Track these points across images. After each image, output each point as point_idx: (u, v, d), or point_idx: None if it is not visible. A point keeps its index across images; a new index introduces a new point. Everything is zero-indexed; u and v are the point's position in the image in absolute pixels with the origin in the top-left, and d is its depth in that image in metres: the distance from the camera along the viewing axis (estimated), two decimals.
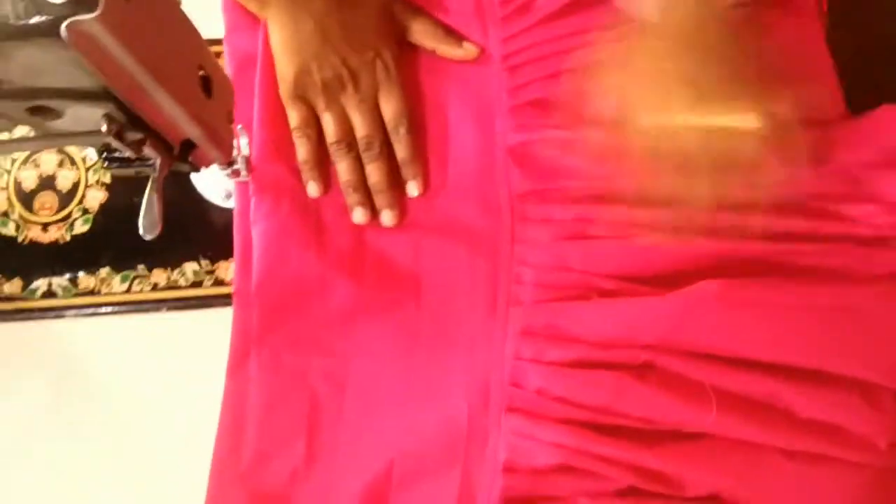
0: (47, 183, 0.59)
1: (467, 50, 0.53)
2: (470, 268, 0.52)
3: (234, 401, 0.51)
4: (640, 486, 0.45)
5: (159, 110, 0.35)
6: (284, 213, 0.53)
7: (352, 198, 0.52)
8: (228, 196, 0.58)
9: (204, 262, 0.56)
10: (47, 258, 0.57)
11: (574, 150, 0.51)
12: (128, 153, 0.36)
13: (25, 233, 0.58)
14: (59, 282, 0.56)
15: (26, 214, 0.58)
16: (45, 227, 0.58)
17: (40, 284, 0.56)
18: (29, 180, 0.59)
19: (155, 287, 0.56)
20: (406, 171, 0.52)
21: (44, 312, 0.56)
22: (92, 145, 0.38)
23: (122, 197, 0.58)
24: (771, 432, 0.45)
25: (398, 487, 0.48)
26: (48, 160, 0.59)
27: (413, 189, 0.52)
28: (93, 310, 0.56)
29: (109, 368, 0.55)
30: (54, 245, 0.57)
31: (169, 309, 0.56)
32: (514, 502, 0.46)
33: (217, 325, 0.53)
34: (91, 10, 0.27)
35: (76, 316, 0.56)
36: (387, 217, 0.52)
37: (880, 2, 0.51)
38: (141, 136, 0.36)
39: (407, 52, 0.55)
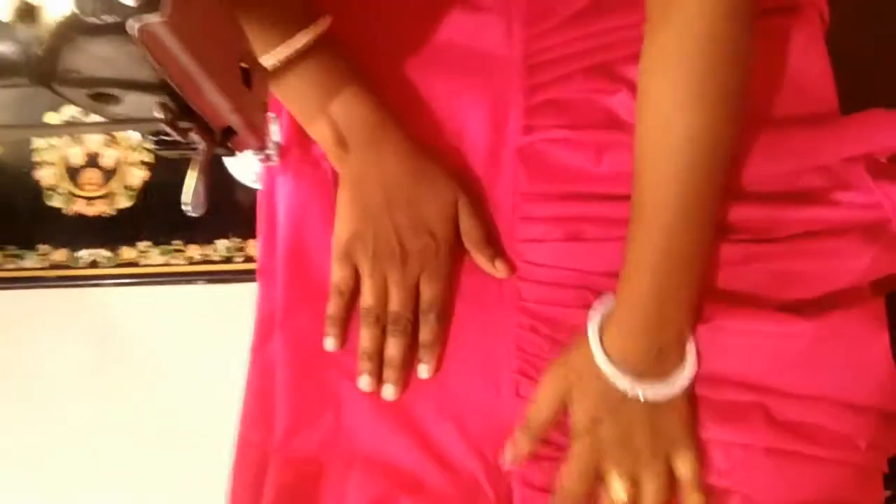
0: (93, 160, 0.63)
1: (497, 269, 0.53)
2: (473, 263, 0.54)
3: (259, 374, 0.54)
4: None
5: (207, 101, 0.39)
6: (306, 194, 0.55)
7: (364, 365, 0.52)
8: (258, 178, 0.62)
9: (235, 240, 0.60)
10: (92, 230, 0.61)
11: (579, 150, 0.53)
12: (177, 138, 0.40)
13: (72, 206, 0.62)
14: (103, 253, 0.60)
15: (73, 189, 0.62)
16: (90, 201, 0.62)
17: (85, 254, 0.61)
18: (75, 157, 0.63)
19: (190, 261, 0.60)
20: (423, 354, 0.53)
21: (87, 280, 0.60)
22: (147, 131, 0.42)
23: (163, 176, 0.62)
24: (751, 433, 0.47)
25: (429, 456, 0.51)
26: (94, 139, 0.63)
27: (423, 372, 0.53)
28: (132, 280, 0.60)
29: (146, 334, 0.59)
30: (98, 218, 0.62)
31: (203, 282, 0.59)
32: (535, 490, 0.49)
33: (246, 298, 0.57)
34: (156, 11, 0.31)
35: (117, 285, 0.60)
36: (388, 392, 0.52)
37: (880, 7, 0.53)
38: (189, 124, 0.40)
39: (432, 51, 0.57)
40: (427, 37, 0.57)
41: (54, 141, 0.63)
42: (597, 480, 0.48)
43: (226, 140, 0.45)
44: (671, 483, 0.48)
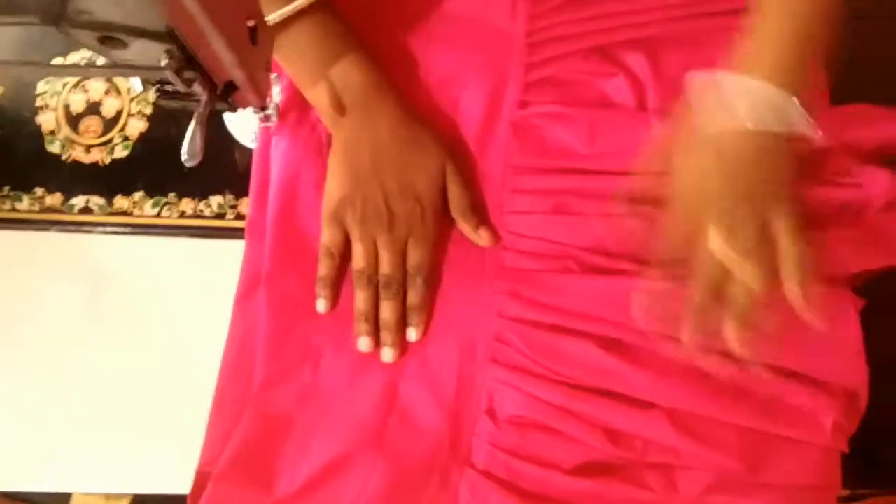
0: (93, 108, 0.64)
1: (480, 236, 0.55)
2: (458, 229, 0.56)
3: (240, 329, 0.56)
4: (607, 449, 0.50)
5: (212, 52, 0.40)
6: (300, 156, 0.57)
7: (361, 326, 0.54)
8: (256, 138, 0.63)
9: (228, 197, 0.61)
10: (87, 177, 0.62)
11: (572, 127, 0.55)
12: (180, 88, 0.41)
13: (70, 152, 0.63)
14: (96, 200, 0.61)
15: (72, 135, 0.63)
16: (87, 148, 0.63)
17: (79, 201, 0.61)
18: (77, 104, 0.64)
19: (182, 214, 0.61)
20: (411, 317, 0.55)
21: (80, 226, 0.61)
22: (151, 78, 0.43)
23: (161, 128, 0.63)
24: (728, 409, 0.49)
25: (396, 415, 0.53)
26: (96, 87, 0.64)
27: (412, 335, 0.55)
28: (124, 229, 0.61)
29: (135, 282, 0.60)
30: (94, 166, 0.62)
31: (193, 235, 0.60)
32: (497, 449, 0.51)
33: (235, 254, 0.58)
34: None
35: (109, 233, 0.61)
36: (387, 354, 0.54)
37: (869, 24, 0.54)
38: (193, 75, 0.41)
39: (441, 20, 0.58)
40: (432, 7, 0.58)
41: (59, 88, 0.64)
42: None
43: (227, 95, 0.46)
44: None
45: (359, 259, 0.55)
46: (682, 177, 0.48)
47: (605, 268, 0.52)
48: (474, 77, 0.58)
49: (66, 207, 0.61)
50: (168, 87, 0.45)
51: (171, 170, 0.61)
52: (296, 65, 0.55)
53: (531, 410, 0.51)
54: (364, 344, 0.54)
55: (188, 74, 0.40)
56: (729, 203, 0.46)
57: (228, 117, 0.62)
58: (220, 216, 0.61)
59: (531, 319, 0.53)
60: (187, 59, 0.39)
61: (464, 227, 0.56)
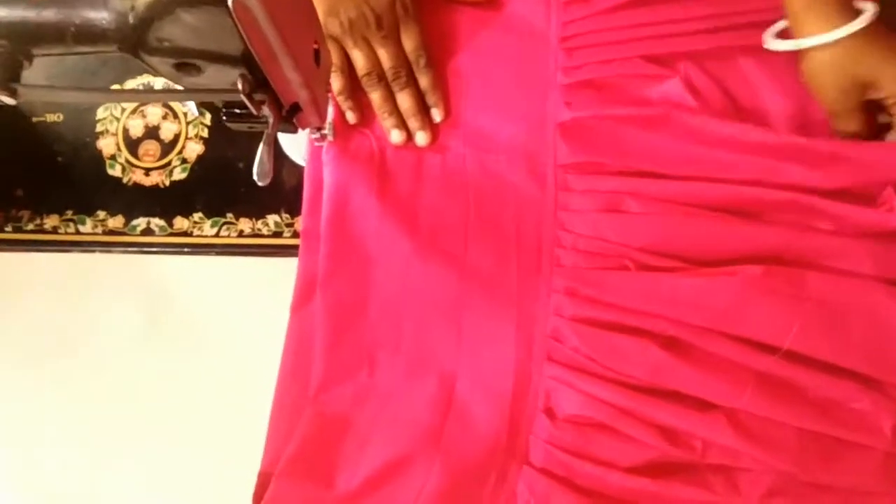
0: (152, 132, 0.66)
1: None
2: (515, 226, 0.56)
3: (297, 334, 0.56)
4: (665, 449, 0.49)
5: (283, 74, 0.41)
6: (352, 162, 0.58)
7: (388, 121, 0.57)
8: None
9: (285, 216, 0.62)
10: (148, 200, 0.64)
11: (620, 128, 0.55)
12: (252, 110, 0.42)
13: (130, 176, 0.64)
14: (157, 222, 0.63)
15: (132, 159, 0.65)
16: (147, 171, 0.64)
17: (140, 222, 0.63)
18: (136, 129, 0.66)
19: (241, 234, 0.62)
20: (428, 99, 0.58)
21: (141, 247, 0.62)
22: (224, 100, 0.44)
23: (218, 150, 0.64)
24: (787, 410, 0.48)
25: (453, 415, 0.53)
26: (153, 112, 0.66)
27: (436, 115, 0.58)
28: (184, 249, 0.62)
29: (195, 302, 0.61)
30: (155, 188, 0.64)
31: (251, 254, 0.61)
32: (554, 447, 0.51)
33: (293, 272, 0.59)
34: None
35: (170, 253, 0.62)
36: (420, 138, 0.57)
37: None
38: (263, 97, 0.42)
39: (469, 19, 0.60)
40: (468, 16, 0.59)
41: (118, 113, 0.66)
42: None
43: (291, 116, 0.47)
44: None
45: (361, 64, 0.57)
46: None
47: (661, 266, 0.52)
48: (515, 79, 0.59)
49: (128, 229, 0.63)
50: (235, 110, 0.46)
51: (228, 190, 0.63)
52: None
53: (588, 409, 0.51)
54: (396, 136, 0.57)
55: (259, 97, 0.41)
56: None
57: (282, 138, 0.63)
58: (278, 234, 0.62)
59: (588, 317, 0.52)
60: (259, 82, 0.40)
61: None
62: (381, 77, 0.57)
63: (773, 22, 0.54)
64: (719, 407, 0.49)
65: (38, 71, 0.42)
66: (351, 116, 0.58)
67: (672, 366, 0.50)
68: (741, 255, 0.51)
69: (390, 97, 0.57)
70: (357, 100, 0.58)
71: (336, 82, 0.57)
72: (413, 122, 0.57)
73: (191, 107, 0.65)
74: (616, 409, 0.50)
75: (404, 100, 0.57)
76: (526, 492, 0.50)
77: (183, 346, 0.61)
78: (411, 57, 0.57)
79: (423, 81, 0.57)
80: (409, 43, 0.57)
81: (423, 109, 0.57)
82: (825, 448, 0.49)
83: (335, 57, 0.57)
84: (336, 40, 0.57)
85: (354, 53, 0.57)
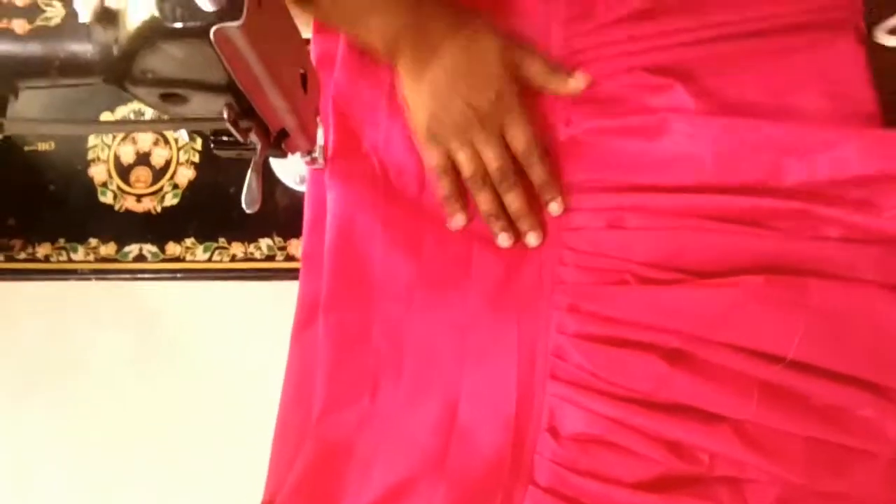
0: (143, 159, 0.66)
1: (576, 84, 0.56)
2: (517, 248, 0.56)
3: (299, 358, 0.56)
4: (672, 464, 0.49)
5: (269, 102, 0.41)
6: (356, 184, 0.57)
7: (495, 226, 0.55)
8: (301, 181, 0.64)
9: (277, 239, 0.62)
10: (139, 226, 0.64)
11: (620, 141, 0.55)
12: (238, 138, 0.42)
13: (121, 202, 0.64)
14: (149, 248, 0.63)
15: (123, 186, 0.65)
16: (139, 198, 0.64)
17: (132, 249, 0.63)
18: (127, 155, 0.66)
19: (233, 258, 0.62)
20: (546, 194, 0.55)
21: (134, 274, 0.62)
22: (210, 129, 0.44)
23: (209, 175, 0.65)
24: (793, 420, 0.48)
25: (456, 438, 0.53)
26: (144, 139, 0.66)
27: (555, 209, 0.55)
28: (177, 275, 0.62)
29: (189, 327, 0.61)
30: (146, 215, 0.64)
31: (244, 279, 0.61)
32: (559, 466, 0.51)
33: (287, 295, 0.59)
34: (233, 18, 0.33)
35: (162, 279, 0.62)
36: (532, 239, 0.55)
37: None
38: (249, 125, 0.42)
39: None
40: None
41: (109, 140, 0.66)
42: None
43: (280, 141, 0.47)
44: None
45: (465, 167, 0.55)
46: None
47: (663, 279, 0.52)
48: None
49: (120, 256, 0.63)
50: (223, 138, 0.46)
51: (220, 215, 0.63)
52: (343, 14, 0.55)
53: (593, 426, 0.50)
54: (504, 240, 0.55)
55: (245, 125, 0.41)
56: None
57: (274, 162, 0.63)
58: (270, 258, 0.62)
59: (591, 333, 0.52)
60: (244, 110, 0.40)
61: (555, 82, 0.56)
62: (485, 179, 0.56)
63: (776, 29, 0.54)
64: (725, 419, 0.49)
65: (29, 100, 0.42)
66: (459, 220, 0.56)
67: (676, 378, 0.49)
68: (743, 265, 0.50)
69: (496, 199, 0.56)
70: (465, 202, 0.57)
71: (444, 184, 0.56)
72: (523, 224, 0.55)
73: (182, 133, 0.65)
74: (621, 425, 0.50)
75: (514, 201, 0.55)
76: None
77: (178, 371, 0.61)
78: (522, 153, 0.55)
79: (538, 175, 0.55)
80: (518, 139, 0.55)
81: (532, 209, 0.55)
82: (832, 456, 0.48)
83: (439, 159, 0.56)
84: (439, 143, 0.56)
85: (459, 156, 0.55)
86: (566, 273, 0.54)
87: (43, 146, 0.67)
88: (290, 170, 0.64)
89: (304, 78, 0.46)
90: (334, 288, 0.56)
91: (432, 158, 0.56)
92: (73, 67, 0.39)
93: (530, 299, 0.55)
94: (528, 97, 0.57)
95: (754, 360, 0.49)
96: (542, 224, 0.56)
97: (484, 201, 0.56)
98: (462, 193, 0.57)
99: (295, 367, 0.56)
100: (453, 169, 0.56)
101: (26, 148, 0.67)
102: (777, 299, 0.49)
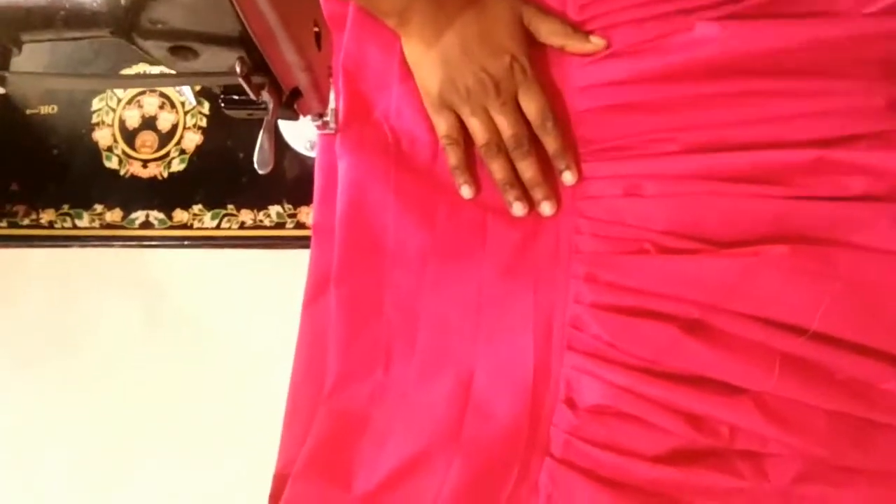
0: (149, 123, 0.64)
1: (596, 44, 0.54)
2: (533, 217, 0.55)
3: (310, 330, 0.55)
4: (691, 436, 0.48)
5: (282, 57, 0.39)
6: (367, 154, 0.56)
7: (510, 194, 0.54)
8: (311, 146, 0.63)
9: (287, 206, 0.60)
10: (146, 192, 0.62)
11: (636, 110, 0.54)
12: (250, 95, 0.40)
13: (127, 167, 0.63)
14: (156, 215, 0.61)
15: (129, 151, 0.63)
16: (144, 163, 0.63)
17: (139, 215, 0.61)
18: (132, 119, 0.64)
19: (242, 225, 0.60)
20: (559, 163, 0.54)
21: (140, 241, 0.61)
22: (221, 84, 0.43)
23: (217, 140, 0.63)
24: (816, 393, 0.47)
25: (471, 409, 0.52)
26: (150, 102, 0.64)
27: (569, 178, 0.54)
28: (185, 242, 0.61)
29: (196, 295, 0.60)
30: (153, 180, 0.62)
31: (253, 246, 0.60)
32: (576, 438, 0.50)
33: (296, 263, 0.58)
34: None
35: (169, 247, 0.61)
36: (546, 208, 0.54)
37: None
38: (262, 81, 0.40)
39: None
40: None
41: (114, 104, 0.64)
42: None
43: (292, 101, 0.46)
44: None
45: (479, 134, 0.54)
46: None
47: (683, 248, 0.51)
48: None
49: (126, 223, 0.61)
50: (234, 97, 0.44)
51: (228, 181, 0.61)
52: None
53: (610, 398, 0.49)
54: (518, 209, 0.54)
55: (258, 80, 0.40)
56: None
57: (284, 126, 0.61)
58: (280, 225, 0.60)
59: (608, 303, 0.51)
60: (257, 65, 0.39)
61: (575, 47, 0.55)
62: (500, 147, 0.54)
63: None
64: (746, 391, 0.48)
65: (30, 62, 0.40)
66: (466, 191, 0.55)
67: (696, 350, 0.48)
68: (765, 233, 0.49)
69: (510, 167, 0.54)
70: (474, 173, 0.55)
71: (452, 155, 0.55)
72: (538, 193, 0.54)
73: (188, 96, 0.63)
74: (639, 397, 0.49)
75: (527, 169, 0.54)
76: (548, 484, 0.49)
77: (184, 340, 0.60)
78: (536, 120, 0.54)
79: (553, 144, 0.54)
80: (532, 106, 0.54)
81: (546, 178, 0.54)
82: (856, 430, 0.47)
83: (449, 126, 0.55)
84: (451, 109, 0.55)
85: (472, 122, 0.54)
86: (583, 242, 0.53)
87: (46, 109, 0.65)
88: (301, 135, 0.62)
89: (317, 36, 0.44)
90: (346, 259, 0.55)
91: (442, 126, 0.55)
92: (78, 18, 0.37)
93: (547, 269, 0.54)
94: (544, 64, 0.56)
95: (776, 331, 0.48)
96: (556, 193, 0.54)
97: (498, 169, 0.54)
98: (471, 164, 0.56)
99: (306, 339, 0.55)
100: (464, 137, 0.55)
101: (29, 111, 0.65)
102: (802, 269, 0.48)
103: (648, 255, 0.51)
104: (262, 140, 0.44)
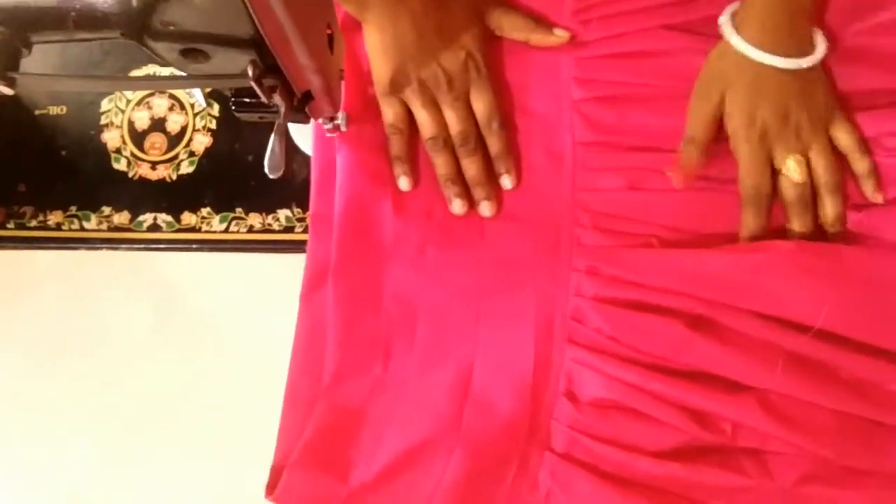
0: (158, 125, 0.64)
1: (559, 36, 0.55)
2: (532, 208, 0.54)
3: (308, 322, 0.55)
4: (694, 433, 0.48)
5: (295, 59, 0.39)
6: (365, 148, 0.56)
7: (450, 190, 0.54)
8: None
9: (296, 210, 0.60)
10: (154, 195, 0.62)
11: (636, 103, 0.53)
12: (262, 98, 0.40)
13: (136, 170, 0.63)
14: (164, 217, 0.61)
15: (137, 153, 0.63)
16: (153, 165, 0.62)
17: (147, 218, 0.61)
18: (141, 121, 0.64)
19: (250, 229, 0.60)
20: (499, 165, 0.54)
21: (148, 244, 0.60)
22: (231, 90, 0.42)
23: (226, 143, 0.62)
24: (820, 391, 0.47)
25: (471, 403, 0.51)
26: (160, 104, 0.64)
27: (507, 182, 0.54)
28: (193, 245, 0.60)
29: (204, 299, 0.60)
30: (161, 183, 0.62)
31: (262, 250, 0.60)
32: (577, 432, 0.49)
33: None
34: None
35: (177, 250, 0.60)
36: (485, 208, 0.54)
37: None
38: (274, 83, 0.40)
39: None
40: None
41: (123, 105, 0.64)
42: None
43: (303, 104, 0.45)
44: (838, 156, 0.51)
45: (427, 127, 0.54)
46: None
47: (687, 242, 0.50)
48: (525, 56, 0.56)
49: (134, 225, 0.61)
50: (245, 100, 0.44)
51: (237, 184, 0.61)
52: None
53: (612, 392, 0.49)
54: (457, 206, 0.54)
55: (269, 82, 0.39)
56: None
57: (293, 129, 0.61)
58: (289, 229, 0.60)
59: (611, 297, 0.51)
60: (269, 68, 0.38)
61: (539, 40, 0.55)
62: (446, 142, 0.54)
63: None
64: (749, 388, 0.48)
65: (39, 63, 0.40)
66: (404, 183, 0.55)
67: (699, 345, 0.48)
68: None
69: (454, 163, 0.54)
70: (414, 165, 0.55)
71: (394, 145, 0.55)
72: (479, 192, 0.54)
73: (198, 98, 0.63)
74: (641, 392, 0.48)
75: (471, 167, 0.54)
76: (548, 479, 0.49)
77: (192, 344, 0.59)
78: (483, 120, 0.54)
79: (495, 146, 0.54)
80: (481, 105, 0.54)
81: (490, 178, 0.54)
82: (863, 431, 0.47)
83: (395, 116, 0.54)
84: (400, 99, 0.54)
85: (421, 114, 0.54)
86: (585, 235, 0.53)
87: (55, 110, 0.65)
88: (310, 138, 0.61)
89: (330, 38, 0.43)
90: (344, 253, 0.54)
91: (389, 114, 0.55)
92: (89, 19, 0.37)
93: (547, 262, 0.53)
94: (537, 57, 0.56)
95: (780, 328, 0.48)
96: (497, 195, 0.54)
97: (442, 164, 0.54)
98: (411, 156, 0.55)
99: (304, 331, 0.54)
100: (408, 127, 0.55)
101: (37, 112, 0.65)
102: (807, 266, 0.48)
103: (652, 248, 0.50)
104: (273, 144, 0.43)
